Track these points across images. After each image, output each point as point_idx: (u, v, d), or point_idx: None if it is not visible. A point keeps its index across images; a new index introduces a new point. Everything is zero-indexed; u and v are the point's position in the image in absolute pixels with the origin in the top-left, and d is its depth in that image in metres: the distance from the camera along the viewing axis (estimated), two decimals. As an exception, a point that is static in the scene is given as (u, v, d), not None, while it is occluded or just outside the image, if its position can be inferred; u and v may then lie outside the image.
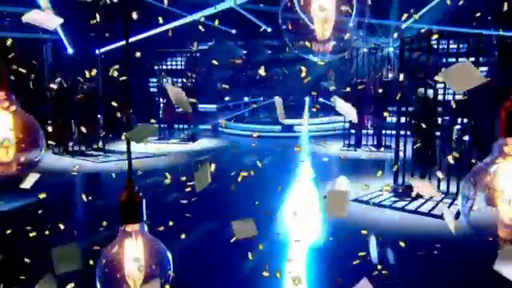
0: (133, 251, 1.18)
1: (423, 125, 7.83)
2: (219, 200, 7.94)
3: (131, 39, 1.37)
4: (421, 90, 7.85)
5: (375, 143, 12.17)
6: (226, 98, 18.10)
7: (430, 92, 7.80)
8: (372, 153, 11.73)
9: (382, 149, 11.85)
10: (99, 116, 11.92)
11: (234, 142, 13.75)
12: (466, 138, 8.06)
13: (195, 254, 5.34)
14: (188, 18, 14.42)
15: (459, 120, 8.47)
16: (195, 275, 4.65)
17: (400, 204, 7.31)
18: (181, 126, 13.87)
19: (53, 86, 11.33)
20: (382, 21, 15.01)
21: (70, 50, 12.19)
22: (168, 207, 7.18)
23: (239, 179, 6.20)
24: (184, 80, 14.12)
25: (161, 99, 13.98)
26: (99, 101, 11.79)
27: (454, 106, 7.77)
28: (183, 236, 5.16)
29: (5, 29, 11.72)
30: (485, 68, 13.14)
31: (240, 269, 5.06)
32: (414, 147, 8.05)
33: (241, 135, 14.69)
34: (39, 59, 11.59)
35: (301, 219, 6.72)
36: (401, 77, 7.73)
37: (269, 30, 16.53)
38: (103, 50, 11.61)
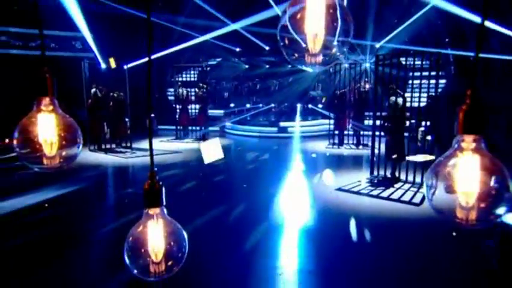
0: (154, 230, 1.18)
1: (394, 127, 7.85)
2: (226, 187, 7.96)
3: (153, 56, 1.36)
4: (392, 98, 7.85)
5: (355, 142, 12.14)
6: (232, 105, 18.08)
7: (400, 100, 7.80)
8: (353, 150, 11.72)
9: (361, 147, 11.83)
10: (127, 119, 11.91)
11: (239, 141, 13.75)
12: (429, 137, 8.06)
13: (203, 231, 5.35)
14: (200, 39, 14.40)
15: (423, 123, 8.48)
16: (206, 248, 4.65)
17: (375, 192, 7.30)
18: (193, 128, 13.83)
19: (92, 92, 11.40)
20: (360, 41, 14.99)
21: (103, 66, 12.19)
22: (184, 193, 7.20)
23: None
24: (197, 90, 14.06)
25: (177, 106, 13.94)
26: (127, 106, 11.79)
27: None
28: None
29: (51, 49, 11.75)
30: (443, 81, 13.14)
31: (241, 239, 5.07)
32: (387, 145, 8.05)
33: (244, 136, 14.67)
34: (78, 73, 11.60)
35: (292, 204, 6.72)
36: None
37: (267, 48, 16.49)
38: (130, 65, 11.59)
